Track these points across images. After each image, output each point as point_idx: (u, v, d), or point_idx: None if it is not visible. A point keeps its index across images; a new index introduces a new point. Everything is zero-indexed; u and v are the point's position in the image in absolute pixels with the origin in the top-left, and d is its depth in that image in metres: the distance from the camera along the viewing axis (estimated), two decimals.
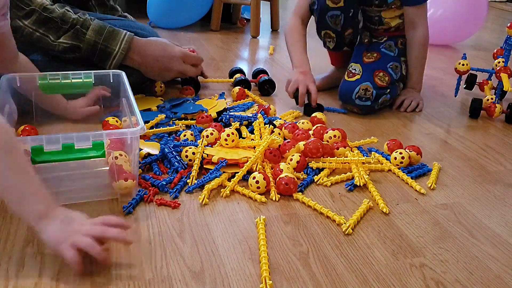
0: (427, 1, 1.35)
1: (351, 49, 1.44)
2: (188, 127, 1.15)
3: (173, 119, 1.18)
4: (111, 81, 1.08)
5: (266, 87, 1.44)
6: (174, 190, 0.88)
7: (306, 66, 1.36)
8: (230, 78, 1.52)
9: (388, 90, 1.31)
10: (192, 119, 1.19)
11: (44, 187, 0.68)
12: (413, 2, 1.33)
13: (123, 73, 1.07)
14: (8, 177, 0.66)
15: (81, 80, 1.04)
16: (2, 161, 0.65)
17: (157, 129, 1.10)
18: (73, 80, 1.03)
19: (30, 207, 0.66)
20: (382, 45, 1.38)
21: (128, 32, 1.19)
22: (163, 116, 1.16)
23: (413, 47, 1.38)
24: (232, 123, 1.15)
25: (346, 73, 1.33)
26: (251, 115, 1.19)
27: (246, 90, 1.40)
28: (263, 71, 1.52)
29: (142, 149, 0.99)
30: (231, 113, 1.19)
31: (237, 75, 1.47)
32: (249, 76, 1.53)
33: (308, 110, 1.31)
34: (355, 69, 1.32)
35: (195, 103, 1.27)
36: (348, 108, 1.35)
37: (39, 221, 0.66)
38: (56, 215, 0.67)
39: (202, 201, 0.86)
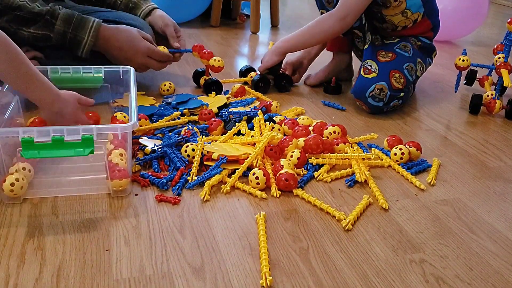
0: None
1: (346, 36, 1.45)
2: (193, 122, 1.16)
3: (179, 113, 1.17)
4: (121, 76, 1.10)
5: (284, 83, 1.43)
6: (177, 188, 0.88)
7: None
8: (241, 77, 1.49)
9: (402, 94, 1.29)
10: (193, 114, 1.19)
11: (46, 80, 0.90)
12: None
13: (132, 69, 1.08)
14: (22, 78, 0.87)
15: (92, 75, 1.07)
16: (16, 67, 0.85)
17: (159, 124, 1.11)
18: (83, 74, 1.06)
19: (43, 96, 0.90)
20: (397, 45, 1.34)
21: (97, 20, 1.19)
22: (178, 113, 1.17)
23: (320, 19, 1.33)
24: (231, 119, 1.15)
25: (362, 69, 1.30)
26: (249, 109, 1.19)
27: (246, 86, 1.39)
28: (252, 69, 1.50)
29: (146, 146, 0.99)
30: (230, 110, 1.19)
31: (253, 73, 1.45)
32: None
33: (278, 83, 1.43)
34: (371, 66, 1.29)
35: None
36: (357, 104, 1.33)
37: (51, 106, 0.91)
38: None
39: (204, 197, 0.86)
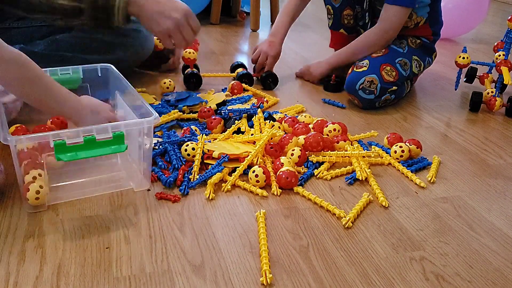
0: (406, 8, 1.30)
1: (349, 33, 1.50)
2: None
3: (177, 111, 1.17)
4: (99, 75, 1.07)
5: (269, 82, 1.43)
6: (184, 187, 0.88)
7: (277, 36, 1.46)
8: (231, 72, 1.51)
9: (395, 88, 1.29)
10: (192, 112, 1.19)
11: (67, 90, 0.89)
12: (388, 0, 1.31)
13: (112, 67, 1.06)
14: (46, 95, 0.85)
15: (69, 75, 1.04)
16: (37, 86, 0.84)
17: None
18: (61, 75, 1.03)
19: (68, 107, 0.88)
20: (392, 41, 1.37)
21: None
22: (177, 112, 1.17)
23: (365, 33, 1.36)
24: (232, 117, 1.15)
25: (355, 65, 1.32)
26: (249, 107, 1.19)
27: (244, 84, 1.39)
28: (242, 65, 1.51)
29: (146, 144, 0.99)
30: (228, 107, 1.19)
31: (239, 70, 1.46)
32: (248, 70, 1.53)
33: (264, 81, 1.43)
34: (362, 62, 1.31)
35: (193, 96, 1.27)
36: (350, 99, 1.34)
37: (76, 113, 0.89)
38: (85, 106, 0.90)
39: (209, 196, 0.86)
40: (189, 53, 1.37)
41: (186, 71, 1.40)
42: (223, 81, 1.48)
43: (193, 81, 1.37)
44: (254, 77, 1.45)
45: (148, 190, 0.87)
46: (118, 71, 1.03)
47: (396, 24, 1.32)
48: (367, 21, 1.44)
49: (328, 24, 1.54)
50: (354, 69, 1.31)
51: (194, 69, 1.41)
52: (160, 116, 1.13)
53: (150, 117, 0.82)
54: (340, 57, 1.42)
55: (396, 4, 1.30)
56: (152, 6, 1.13)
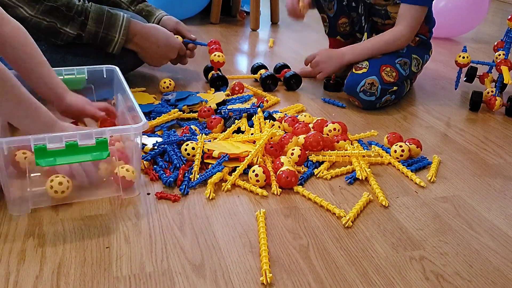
0: (424, 7, 1.30)
1: (345, 40, 1.50)
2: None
3: (177, 111, 1.17)
4: (104, 76, 1.08)
5: (292, 82, 1.43)
6: (184, 187, 0.88)
7: None
8: (253, 73, 1.50)
9: (395, 88, 1.29)
10: (192, 111, 1.19)
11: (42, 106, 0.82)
12: (406, 0, 1.30)
13: (117, 68, 1.06)
14: (17, 108, 0.78)
15: (74, 76, 1.04)
16: (8, 98, 0.77)
17: (158, 120, 1.11)
18: (65, 76, 1.02)
19: (42, 121, 0.81)
20: None
21: (126, 16, 1.20)
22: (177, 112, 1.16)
23: (382, 35, 1.33)
24: (231, 116, 1.15)
25: (354, 67, 1.32)
26: (249, 106, 1.19)
27: (244, 84, 1.39)
28: (286, 66, 1.50)
29: (146, 145, 0.99)
30: (229, 107, 1.19)
31: (262, 71, 1.45)
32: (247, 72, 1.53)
33: (287, 82, 1.42)
34: (362, 64, 1.30)
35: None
36: (350, 100, 1.34)
37: (52, 127, 0.81)
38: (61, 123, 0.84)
39: (209, 196, 0.86)
40: (218, 56, 1.37)
41: (210, 74, 1.40)
42: (246, 82, 1.47)
43: (220, 84, 1.37)
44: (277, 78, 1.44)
45: (148, 194, 0.87)
46: (121, 75, 1.04)
47: (414, 24, 1.31)
48: (363, 24, 1.43)
49: (325, 31, 1.54)
50: (353, 70, 1.30)
51: (218, 71, 1.41)
52: (160, 116, 1.14)
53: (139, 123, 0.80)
54: (355, 56, 1.34)
55: (412, 3, 1.29)
56: (153, 49, 1.28)
